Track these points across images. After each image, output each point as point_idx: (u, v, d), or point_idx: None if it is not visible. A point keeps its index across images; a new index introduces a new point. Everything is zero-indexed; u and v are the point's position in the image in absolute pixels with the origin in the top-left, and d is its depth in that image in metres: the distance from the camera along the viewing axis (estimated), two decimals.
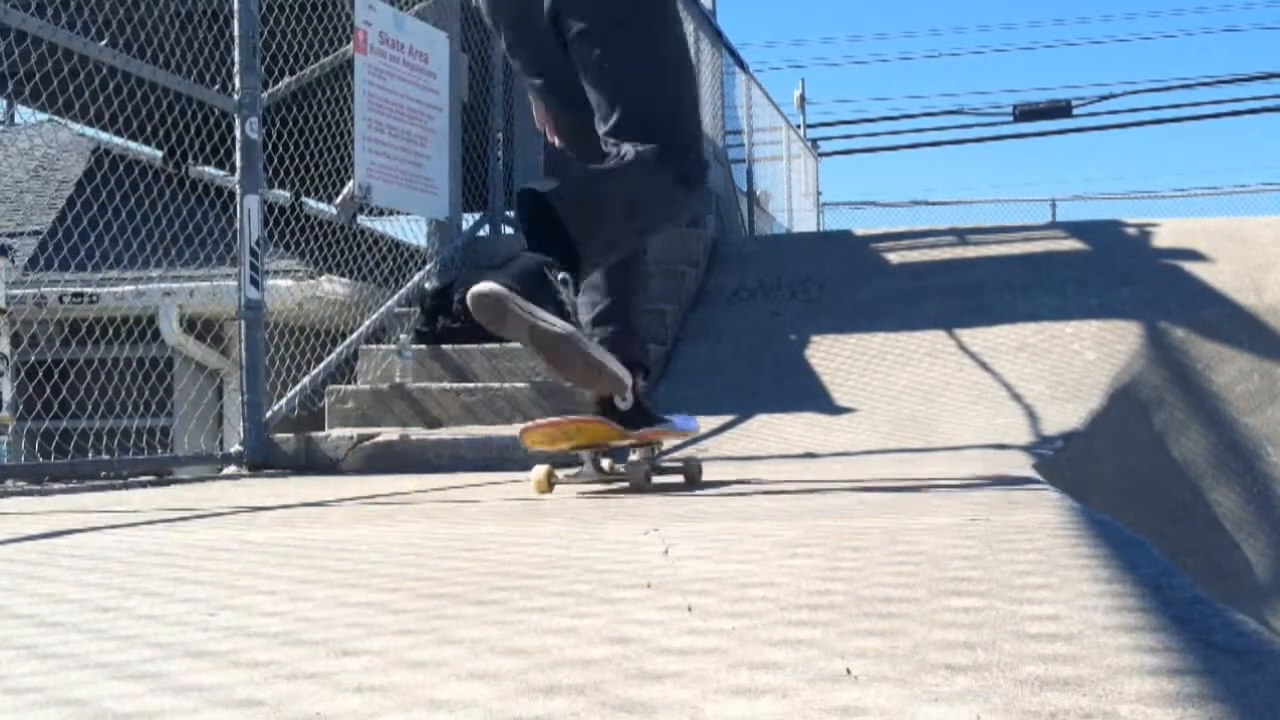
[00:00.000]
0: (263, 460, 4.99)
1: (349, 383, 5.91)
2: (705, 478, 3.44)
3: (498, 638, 1.41)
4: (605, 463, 3.38)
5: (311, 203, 9.14)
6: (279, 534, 2.66)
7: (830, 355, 6.11)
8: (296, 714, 1.12)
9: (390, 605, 1.65)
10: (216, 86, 5.59)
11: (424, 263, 6.73)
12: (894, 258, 7.29)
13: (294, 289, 6.94)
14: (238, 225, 4.98)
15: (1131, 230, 7.44)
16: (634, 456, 3.32)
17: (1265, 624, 4.14)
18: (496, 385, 5.61)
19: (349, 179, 6.08)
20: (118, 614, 1.67)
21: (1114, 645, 1.25)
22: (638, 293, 3.44)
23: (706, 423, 5.25)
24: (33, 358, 6.50)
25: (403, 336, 5.95)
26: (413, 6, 6.60)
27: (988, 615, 1.42)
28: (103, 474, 4.72)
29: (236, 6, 4.99)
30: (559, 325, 2.73)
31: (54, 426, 6.42)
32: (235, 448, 5.05)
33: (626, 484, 3.25)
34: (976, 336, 6.11)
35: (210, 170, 9.65)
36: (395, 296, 6.31)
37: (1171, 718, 1.01)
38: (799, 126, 18.74)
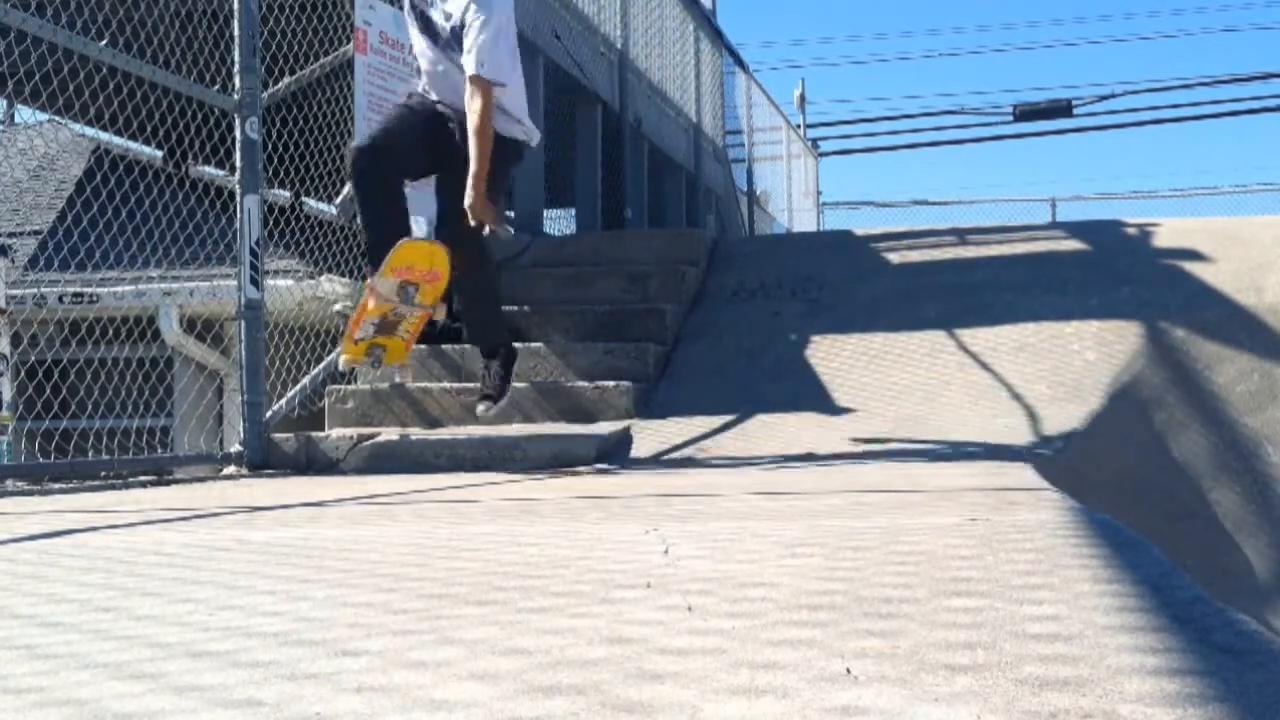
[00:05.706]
0: (263, 460, 4.99)
1: (349, 383, 5.90)
2: (703, 477, 3.44)
3: (498, 638, 1.41)
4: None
5: (311, 203, 9.13)
6: (279, 534, 2.66)
7: (830, 355, 6.10)
8: (296, 714, 1.12)
9: (390, 605, 1.65)
10: (216, 86, 5.58)
11: None
12: (894, 258, 7.29)
13: (294, 289, 6.94)
14: (238, 225, 4.98)
15: (1131, 230, 7.44)
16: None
17: (1265, 624, 4.14)
18: None
19: (349, 179, 6.06)
20: (118, 614, 1.67)
21: (1114, 645, 1.25)
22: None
23: (706, 423, 5.24)
24: (33, 358, 6.50)
25: None
26: None
27: (988, 615, 1.42)
28: (103, 474, 4.72)
29: (236, 6, 4.99)
30: None
31: (54, 426, 6.40)
32: (235, 448, 5.04)
33: (625, 482, 3.25)
34: (977, 336, 6.11)
35: (210, 170, 9.64)
36: None
37: (1171, 718, 1.01)
38: (799, 126, 18.73)
